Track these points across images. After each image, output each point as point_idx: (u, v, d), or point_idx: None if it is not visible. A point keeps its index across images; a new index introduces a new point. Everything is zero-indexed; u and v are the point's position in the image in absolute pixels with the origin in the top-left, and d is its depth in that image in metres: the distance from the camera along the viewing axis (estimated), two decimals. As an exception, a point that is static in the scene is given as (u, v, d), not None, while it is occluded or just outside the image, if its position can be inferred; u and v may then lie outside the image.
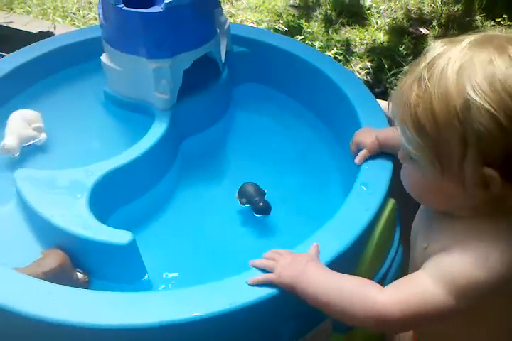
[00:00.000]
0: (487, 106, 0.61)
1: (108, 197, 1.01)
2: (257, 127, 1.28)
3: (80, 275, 0.93)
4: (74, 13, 2.43)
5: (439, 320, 0.69)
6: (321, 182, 1.15)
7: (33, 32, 2.11)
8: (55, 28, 2.14)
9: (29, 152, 1.12)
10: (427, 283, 0.67)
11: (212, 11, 1.12)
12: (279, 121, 1.29)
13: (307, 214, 1.08)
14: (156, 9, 1.03)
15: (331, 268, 0.81)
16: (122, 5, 1.02)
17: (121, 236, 0.89)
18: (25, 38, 2.07)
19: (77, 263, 0.92)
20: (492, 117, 0.61)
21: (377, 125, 1.06)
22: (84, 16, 2.41)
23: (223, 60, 1.22)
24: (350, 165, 1.12)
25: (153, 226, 1.06)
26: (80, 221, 0.91)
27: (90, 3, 2.50)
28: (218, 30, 1.17)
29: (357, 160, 1.01)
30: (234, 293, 0.77)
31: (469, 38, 0.67)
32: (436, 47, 0.67)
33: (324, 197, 1.12)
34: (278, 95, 1.32)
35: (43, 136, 1.13)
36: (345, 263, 0.85)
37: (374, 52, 2.28)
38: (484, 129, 0.61)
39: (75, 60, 1.28)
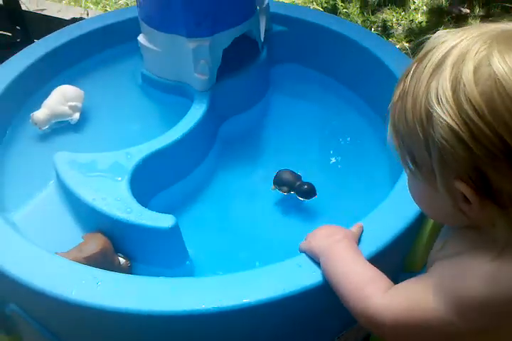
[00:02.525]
0: (448, 120, 0.52)
1: (148, 181, 0.98)
2: (297, 108, 1.23)
3: (121, 260, 0.91)
4: (105, -1, 2.41)
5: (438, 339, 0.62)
6: (366, 165, 1.10)
7: (66, 19, 2.10)
8: (87, 15, 2.13)
9: (64, 131, 1.11)
10: (430, 297, 0.59)
11: (252, -13, 1.08)
12: (319, 103, 1.24)
13: (353, 196, 1.03)
14: (195, -15, 0.99)
15: (384, 253, 0.78)
16: (159, -19, 0.99)
17: (164, 220, 0.87)
18: (58, 25, 2.07)
19: (118, 247, 0.90)
20: (454, 133, 0.52)
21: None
22: (116, 2, 2.39)
23: (262, 39, 1.17)
24: (397, 147, 1.07)
25: (195, 211, 1.04)
26: (121, 204, 0.89)
27: (121, -12, 2.47)
28: (258, 8, 1.12)
29: None
30: (285, 278, 0.73)
31: (472, 28, 0.56)
32: (436, 38, 0.58)
33: (370, 179, 1.07)
34: (319, 76, 1.27)
35: (76, 116, 1.11)
36: (398, 247, 0.80)
37: (412, 33, 2.20)
38: (446, 144, 0.52)
39: (110, 42, 1.25)
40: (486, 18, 2.22)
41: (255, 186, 1.10)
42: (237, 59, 1.16)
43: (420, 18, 2.24)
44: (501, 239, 0.55)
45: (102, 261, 0.87)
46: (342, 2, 2.30)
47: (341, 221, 0.88)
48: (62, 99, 1.09)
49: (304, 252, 0.78)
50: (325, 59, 1.25)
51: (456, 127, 0.51)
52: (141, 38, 1.12)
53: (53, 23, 2.09)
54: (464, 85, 0.51)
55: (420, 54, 0.58)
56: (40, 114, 1.07)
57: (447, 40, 0.56)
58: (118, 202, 0.89)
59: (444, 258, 0.62)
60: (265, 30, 1.19)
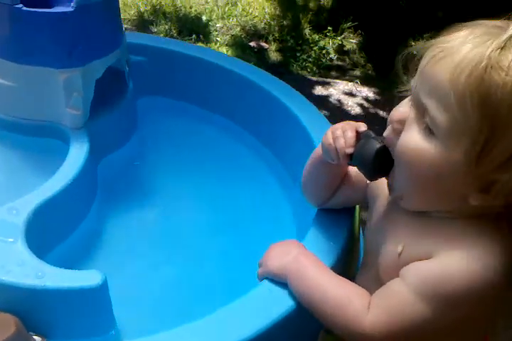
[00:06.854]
0: None
1: (42, 236, 0.82)
2: (172, 142, 1.16)
3: (37, 338, 0.73)
4: None
5: (427, 335, 0.63)
6: (254, 188, 1.08)
7: None
8: None
9: None
10: (411, 300, 0.60)
11: (119, 13, 0.99)
12: (194, 134, 1.18)
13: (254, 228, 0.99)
14: (65, 8, 0.87)
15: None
16: (21, 5, 0.84)
17: (89, 278, 0.72)
18: None
19: (29, 326, 0.72)
20: None
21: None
22: None
23: (127, 70, 1.09)
24: (285, 165, 1.09)
25: (98, 262, 0.89)
26: (28, 269, 0.71)
27: None
28: (121, 36, 1.04)
29: None
30: (262, 307, 0.67)
31: None
32: None
33: (265, 202, 1.05)
34: (184, 105, 1.22)
35: None
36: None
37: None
38: None
39: None
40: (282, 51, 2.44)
41: (152, 227, 1.00)
42: (103, 93, 1.05)
43: (227, 53, 2.35)
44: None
45: (14, 346, 0.68)
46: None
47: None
48: None
49: (265, 278, 0.72)
50: (188, 87, 1.21)
51: None
52: (-11, 73, 0.94)
53: None
54: None
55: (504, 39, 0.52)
56: None
57: None
58: (22, 268, 0.71)
59: (413, 260, 0.61)
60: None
